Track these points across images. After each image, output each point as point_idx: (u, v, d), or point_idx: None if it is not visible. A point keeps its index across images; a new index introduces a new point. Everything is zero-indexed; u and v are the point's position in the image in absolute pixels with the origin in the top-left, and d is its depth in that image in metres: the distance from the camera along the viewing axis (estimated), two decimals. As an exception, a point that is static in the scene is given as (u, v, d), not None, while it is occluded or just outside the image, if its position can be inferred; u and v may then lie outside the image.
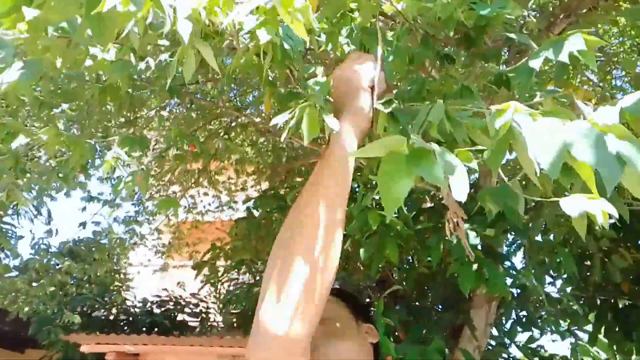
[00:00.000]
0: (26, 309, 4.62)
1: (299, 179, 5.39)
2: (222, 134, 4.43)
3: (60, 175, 1.68)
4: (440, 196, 3.50)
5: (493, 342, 3.36)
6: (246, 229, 5.50)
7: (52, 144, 1.28)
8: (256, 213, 5.60)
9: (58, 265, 5.21)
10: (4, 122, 1.40)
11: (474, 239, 2.63)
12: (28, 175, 1.88)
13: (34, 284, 4.50)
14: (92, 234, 6.67)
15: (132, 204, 6.27)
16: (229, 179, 6.40)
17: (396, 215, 3.00)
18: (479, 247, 2.73)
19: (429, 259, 3.15)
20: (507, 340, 4.65)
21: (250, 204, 5.77)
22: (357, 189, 3.43)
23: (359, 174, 3.89)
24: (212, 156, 4.14)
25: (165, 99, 4.78)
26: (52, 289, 4.78)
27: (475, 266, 2.61)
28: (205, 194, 6.35)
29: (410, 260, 3.39)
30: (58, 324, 5.42)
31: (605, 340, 4.39)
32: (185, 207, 6.55)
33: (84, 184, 4.58)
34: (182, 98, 4.01)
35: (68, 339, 5.18)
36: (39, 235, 6.31)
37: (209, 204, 6.67)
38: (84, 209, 5.17)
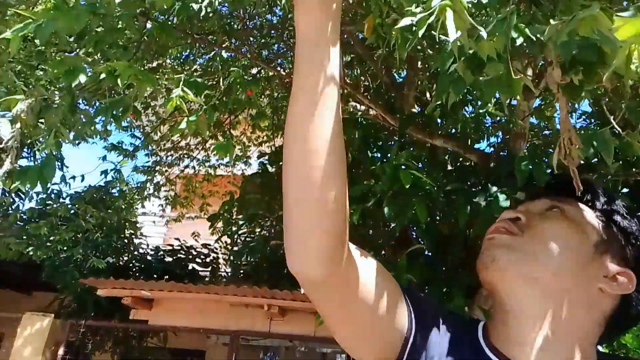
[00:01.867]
0: (50, 254, 4.68)
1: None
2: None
3: (114, 113, 1.68)
4: (464, 158, 3.53)
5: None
6: (260, 184, 5.56)
7: (124, 76, 1.29)
8: (270, 169, 5.64)
9: (74, 211, 5.27)
10: (62, 58, 1.40)
11: (503, 201, 2.67)
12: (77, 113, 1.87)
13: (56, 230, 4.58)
14: (104, 182, 6.73)
15: (146, 154, 6.31)
16: (242, 134, 6.40)
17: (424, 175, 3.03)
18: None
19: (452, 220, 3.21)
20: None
21: (265, 159, 5.81)
22: (391, 144, 3.46)
23: (386, 133, 3.91)
24: (236, 109, 4.13)
25: (187, 48, 4.71)
26: (74, 234, 4.86)
27: (502, 228, 2.66)
28: (219, 147, 6.35)
29: (432, 220, 3.45)
30: (73, 268, 5.54)
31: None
32: (198, 160, 6.58)
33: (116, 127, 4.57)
34: (209, 46, 3.96)
35: (84, 283, 5.30)
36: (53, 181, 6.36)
37: (222, 158, 6.68)
38: (104, 157, 5.19)
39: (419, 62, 4.10)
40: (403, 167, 2.92)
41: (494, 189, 2.78)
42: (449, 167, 3.55)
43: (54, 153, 1.41)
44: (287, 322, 4.80)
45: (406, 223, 3.41)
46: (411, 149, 3.65)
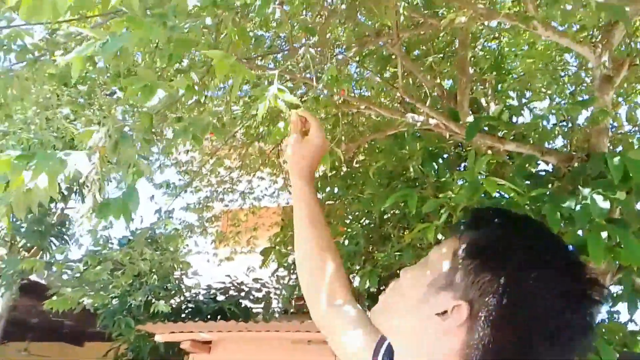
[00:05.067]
0: (106, 301, 4.57)
1: (362, 157, 5.20)
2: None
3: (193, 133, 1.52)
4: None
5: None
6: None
7: (221, 67, 1.12)
8: (319, 195, 5.46)
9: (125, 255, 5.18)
10: (136, 73, 1.25)
11: (602, 202, 2.39)
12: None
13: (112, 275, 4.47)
14: (150, 223, 6.66)
15: (191, 192, 6.22)
16: (284, 162, 6.23)
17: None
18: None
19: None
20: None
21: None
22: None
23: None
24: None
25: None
26: (132, 279, 4.75)
27: (604, 234, 2.38)
28: (262, 178, 6.22)
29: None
30: (129, 315, 5.42)
31: None
32: (242, 192, 6.44)
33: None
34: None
35: (141, 329, 5.17)
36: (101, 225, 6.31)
37: (266, 189, 6.54)
38: (152, 197, 5.12)
39: (470, 68, 3.90)
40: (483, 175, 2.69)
41: (586, 191, 2.51)
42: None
43: (135, 185, 1.25)
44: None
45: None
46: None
